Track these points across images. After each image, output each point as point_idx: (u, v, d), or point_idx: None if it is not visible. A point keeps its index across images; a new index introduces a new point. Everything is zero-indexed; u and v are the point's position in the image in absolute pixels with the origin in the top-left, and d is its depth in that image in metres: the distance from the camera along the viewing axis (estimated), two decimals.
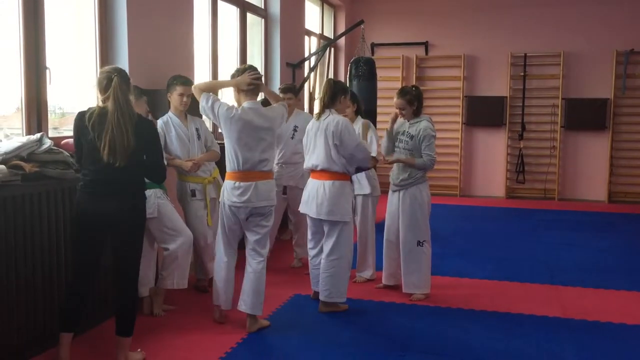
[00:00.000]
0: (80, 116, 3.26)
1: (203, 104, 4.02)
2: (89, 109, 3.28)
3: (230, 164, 4.03)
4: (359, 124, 5.14)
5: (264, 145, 4.00)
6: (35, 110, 4.07)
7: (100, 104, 3.27)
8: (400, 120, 4.84)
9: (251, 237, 4.10)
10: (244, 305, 4.08)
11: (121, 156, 3.18)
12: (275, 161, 5.40)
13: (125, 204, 3.31)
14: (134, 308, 3.48)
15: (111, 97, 3.19)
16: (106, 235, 3.37)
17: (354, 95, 5.22)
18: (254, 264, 4.09)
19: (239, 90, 4.06)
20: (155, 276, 4.45)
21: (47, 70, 4.10)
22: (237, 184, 3.98)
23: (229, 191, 4.01)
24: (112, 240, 3.38)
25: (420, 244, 4.71)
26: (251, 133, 3.96)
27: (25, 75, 4.02)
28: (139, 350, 3.59)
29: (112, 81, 3.20)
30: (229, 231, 4.10)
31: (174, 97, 4.53)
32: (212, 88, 4.18)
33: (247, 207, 3.98)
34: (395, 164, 4.78)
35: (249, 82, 4.00)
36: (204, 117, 4.42)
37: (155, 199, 4.22)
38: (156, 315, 4.34)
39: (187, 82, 4.52)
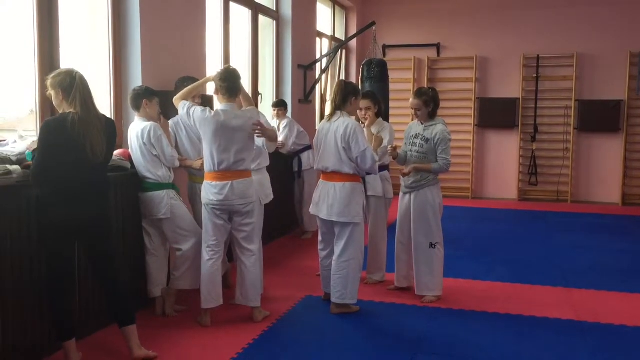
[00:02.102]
0: (58, 124, 3.20)
1: (181, 112, 4.16)
2: (62, 115, 3.23)
3: (207, 165, 4.14)
4: (379, 125, 5.06)
5: (238, 145, 4.08)
6: (49, 112, 4.10)
7: (66, 108, 3.25)
8: (413, 122, 4.82)
9: (238, 235, 4.25)
10: (243, 299, 4.26)
11: (99, 156, 3.27)
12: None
13: (102, 205, 3.41)
14: (126, 297, 3.53)
15: (78, 100, 3.20)
16: (80, 237, 3.39)
17: (375, 96, 5.19)
18: (246, 260, 4.25)
19: (216, 92, 4.19)
20: (167, 277, 4.47)
21: None
22: (213, 183, 4.09)
23: (207, 190, 4.13)
24: (90, 240, 3.40)
25: (433, 246, 4.69)
26: (225, 134, 4.04)
27: (40, 78, 4.05)
28: (150, 351, 3.59)
29: (75, 79, 3.22)
30: (213, 228, 4.16)
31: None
32: (191, 92, 4.25)
33: (225, 206, 4.09)
34: (406, 166, 4.76)
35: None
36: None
37: (169, 199, 4.24)
38: (168, 316, 4.35)
39: None
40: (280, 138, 6.66)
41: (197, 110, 4.08)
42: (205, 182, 4.16)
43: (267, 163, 4.89)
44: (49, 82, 3.29)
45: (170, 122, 4.59)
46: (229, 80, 4.11)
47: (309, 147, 6.97)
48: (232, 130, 4.05)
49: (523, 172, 10.23)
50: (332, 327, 4.21)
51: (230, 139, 4.05)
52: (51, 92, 3.30)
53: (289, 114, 7.71)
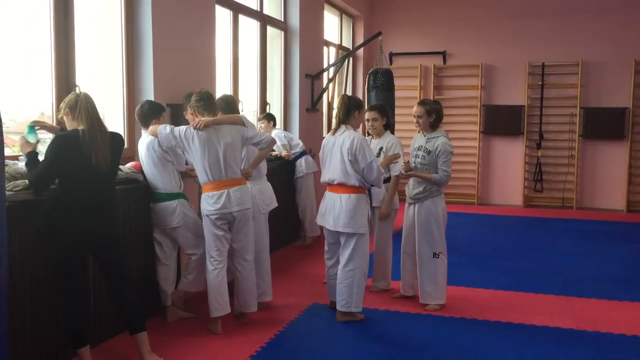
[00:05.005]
0: (69, 139, 3.35)
1: (162, 134, 4.19)
2: (73, 131, 3.38)
3: (202, 178, 4.29)
4: (387, 139, 5.18)
5: (227, 155, 4.24)
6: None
7: (75, 126, 3.39)
8: (417, 135, 4.93)
9: (234, 245, 4.41)
10: (241, 307, 4.47)
11: (102, 165, 3.38)
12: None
13: (112, 216, 3.55)
14: (137, 305, 3.66)
15: (83, 115, 3.35)
16: (91, 247, 3.52)
17: (383, 109, 5.29)
18: (242, 269, 4.45)
19: (194, 114, 4.34)
20: (175, 284, 4.61)
21: (77, 88, 4.26)
22: (210, 193, 4.26)
23: (205, 201, 4.29)
24: (100, 252, 3.53)
25: (436, 255, 4.80)
26: (213, 146, 4.20)
27: (57, 93, 4.21)
28: (161, 358, 3.72)
29: (79, 96, 3.39)
30: (214, 239, 4.30)
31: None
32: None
33: (223, 214, 4.24)
34: (411, 178, 4.88)
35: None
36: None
37: (181, 208, 4.38)
38: (185, 319, 4.51)
39: None
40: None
41: (182, 129, 4.21)
42: (203, 194, 4.33)
43: (265, 171, 5.00)
44: (61, 110, 3.46)
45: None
46: (204, 99, 4.31)
47: (302, 154, 7.03)
48: (218, 141, 4.21)
49: (528, 178, 10.30)
50: (338, 335, 4.33)
51: (218, 149, 4.21)
52: (63, 117, 3.47)
53: (296, 122, 7.86)
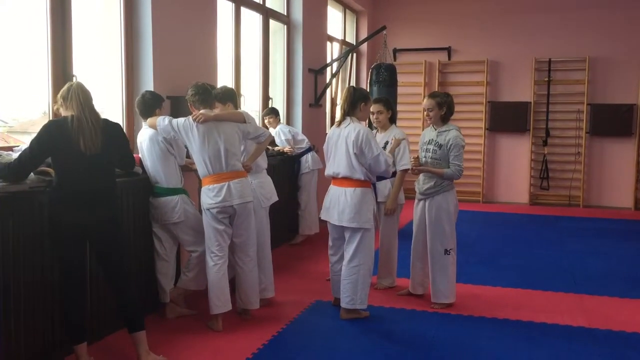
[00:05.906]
0: (56, 126, 3.26)
1: (161, 126, 4.12)
2: (63, 118, 3.28)
3: (201, 171, 4.19)
4: (393, 132, 5.06)
5: (226, 148, 4.14)
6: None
7: (66, 114, 3.30)
8: (427, 129, 4.82)
9: (236, 240, 4.30)
10: (243, 303, 4.37)
11: (91, 149, 3.25)
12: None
13: (111, 209, 3.44)
14: (137, 303, 3.55)
15: (74, 102, 3.25)
16: (90, 240, 3.43)
17: (388, 101, 5.18)
18: (244, 265, 4.35)
19: (192, 107, 4.25)
20: (175, 281, 4.51)
21: (74, 78, 4.17)
22: (210, 186, 4.16)
23: (205, 195, 4.18)
24: (99, 246, 3.43)
25: (447, 252, 4.67)
26: (213, 137, 4.11)
27: (53, 82, 4.12)
28: (160, 355, 3.62)
29: (72, 86, 3.31)
30: (215, 233, 4.19)
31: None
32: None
33: (224, 207, 4.14)
34: (421, 173, 4.75)
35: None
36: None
37: (182, 203, 4.28)
38: (184, 316, 4.41)
39: None
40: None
41: (180, 120, 4.12)
42: (203, 187, 4.23)
43: (265, 165, 4.91)
44: (57, 102, 3.36)
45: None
46: (199, 93, 4.21)
47: (308, 150, 6.92)
48: (218, 132, 4.12)
49: (534, 176, 10.18)
50: (342, 332, 4.22)
51: (217, 141, 4.11)
52: (59, 108, 3.37)
53: (299, 118, 7.76)
